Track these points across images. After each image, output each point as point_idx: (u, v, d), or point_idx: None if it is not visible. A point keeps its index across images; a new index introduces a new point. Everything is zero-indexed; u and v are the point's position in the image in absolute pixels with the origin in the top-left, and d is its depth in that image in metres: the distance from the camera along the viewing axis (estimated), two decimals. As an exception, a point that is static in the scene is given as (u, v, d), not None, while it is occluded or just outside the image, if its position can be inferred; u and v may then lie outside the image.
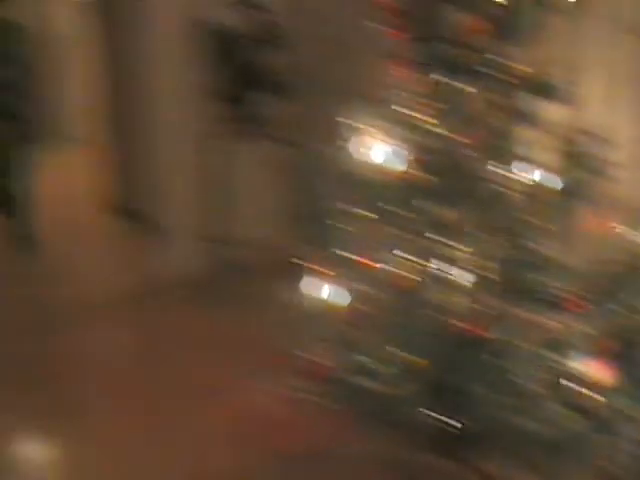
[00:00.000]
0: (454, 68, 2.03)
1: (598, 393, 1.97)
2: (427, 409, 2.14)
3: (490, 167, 2.05)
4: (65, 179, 6.36)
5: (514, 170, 2.08)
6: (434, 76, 2.00)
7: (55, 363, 3.71)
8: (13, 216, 4.53)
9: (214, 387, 3.40)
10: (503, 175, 2.06)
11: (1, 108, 4.18)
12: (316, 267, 2.46)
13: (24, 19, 4.40)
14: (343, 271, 2.30)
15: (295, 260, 3.97)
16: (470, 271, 2.05)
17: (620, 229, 2.08)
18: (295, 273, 4.03)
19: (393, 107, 2.07)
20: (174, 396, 3.37)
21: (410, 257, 2.07)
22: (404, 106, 2.06)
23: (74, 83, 6.99)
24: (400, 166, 2.06)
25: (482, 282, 2.06)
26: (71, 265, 4.75)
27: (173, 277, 4.36)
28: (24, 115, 4.34)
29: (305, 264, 3.88)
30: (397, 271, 2.09)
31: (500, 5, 2.02)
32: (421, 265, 2.06)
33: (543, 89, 2.07)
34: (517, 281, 2.06)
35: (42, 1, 7.16)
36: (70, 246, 5.00)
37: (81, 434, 3.14)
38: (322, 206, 2.34)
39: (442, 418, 2.12)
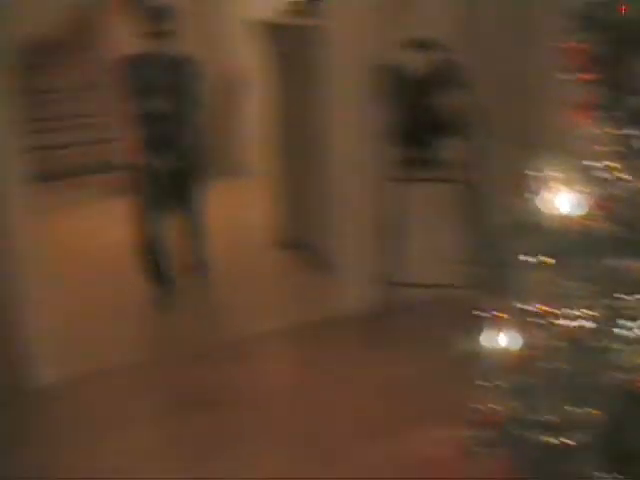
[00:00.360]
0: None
1: None
2: (597, 466, 2.04)
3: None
4: (238, 210, 6.55)
5: None
6: (624, 127, 1.92)
7: (219, 391, 3.80)
8: (191, 243, 4.64)
9: (377, 426, 3.41)
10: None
11: (176, 141, 4.31)
12: (492, 314, 2.40)
13: (199, 54, 4.57)
14: (520, 319, 2.24)
15: (470, 306, 3.93)
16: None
17: None
18: (468, 318, 3.99)
19: (577, 154, 2.01)
20: (335, 432, 3.39)
21: (590, 311, 1.99)
22: (589, 154, 2.00)
23: (251, 117, 7.19)
24: (584, 216, 1.99)
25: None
26: (240, 295, 4.84)
27: (342, 314, 4.39)
28: (197, 147, 4.46)
29: (480, 310, 3.85)
30: (575, 324, 2.02)
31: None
32: (601, 319, 1.98)
33: None
34: None
35: (221, 38, 7.46)
36: (240, 277, 5.12)
37: (240, 462, 3.21)
38: (500, 253, 2.29)
39: (611, 477, 2.02)
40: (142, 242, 4.48)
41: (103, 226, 5.98)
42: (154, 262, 4.58)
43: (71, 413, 3.71)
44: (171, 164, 4.30)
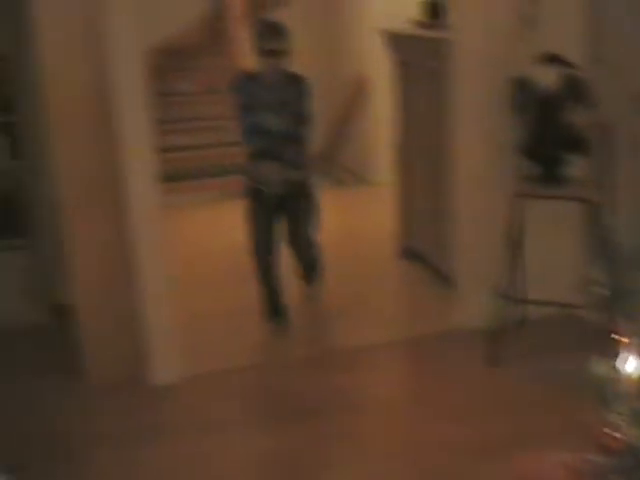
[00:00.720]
0: None
1: None
2: None
3: None
4: (359, 219, 6.61)
5: None
6: None
7: (328, 398, 3.86)
8: (301, 254, 4.66)
9: (493, 443, 3.37)
10: None
11: (285, 156, 4.33)
12: (617, 336, 2.34)
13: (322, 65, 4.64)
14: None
15: (593, 327, 3.86)
16: None
17: None
18: (592, 339, 3.91)
19: None
20: (449, 448, 3.37)
21: None
22: None
23: (375, 126, 7.23)
24: None
25: None
26: (357, 305, 4.86)
27: (461, 328, 4.38)
28: (305, 162, 4.49)
29: (605, 332, 3.78)
30: None
31: None
32: None
33: None
34: None
35: (350, 47, 7.52)
36: (358, 286, 5.15)
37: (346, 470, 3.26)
38: (625, 274, 2.23)
39: None
40: (256, 257, 4.51)
41: (220, 229, 6.11)
42: (268, 290, 4.58)
43: (182, 412, 3.81)
44: (281, 178, 4.32)
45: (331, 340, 4.04)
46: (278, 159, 4.28)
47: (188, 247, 5.84)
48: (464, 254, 4.41)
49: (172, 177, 6.53)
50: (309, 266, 4.77)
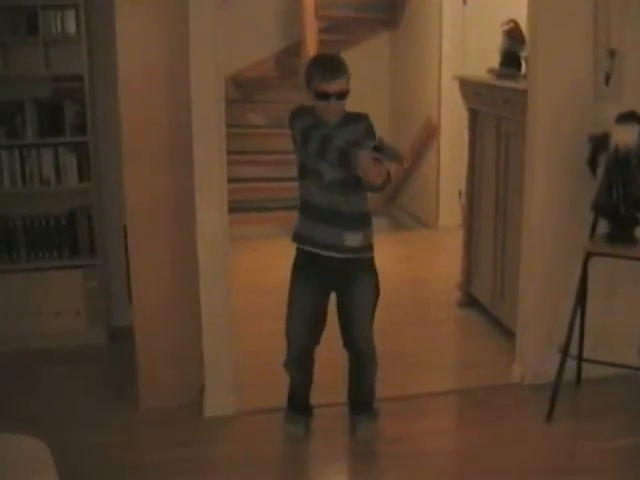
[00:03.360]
0: None
1: None
2: None
3: None
4: (421, 264, 6.56)
5: None
6: None
7: (382, 445, 3.84)
8: (357, 366, 3.87)
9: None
10: None
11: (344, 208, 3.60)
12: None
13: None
14: None
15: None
16: None
17: None
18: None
19: None
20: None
21: None
22: None
23: (443, 170, 7.23)
24: None
25: None
26: (417, 352, 4.78)
27: (519, 383, 4.32)
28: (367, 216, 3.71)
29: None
30: None
31: None
32: None
33: None
34: None
35: (428, 92, 7.53)
36: (418, 333, 5.09)
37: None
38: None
39: None
40: (292, 344, 3.75)
41: (281, 263, 6.10)
42: (296, 383, 3.86)
43: (232, 447, 3.78)
44: (341, 241, 3.58)
45: (385, 387, 3.99)
46: (337, 215, 3.56)
47: (247, 280, 5.85)
48: (527, 307, 4.34)
49: (234, 208, 6.58)
50: (362, 388, 3.84)
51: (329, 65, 3.52)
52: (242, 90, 8.15)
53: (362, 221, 3.63)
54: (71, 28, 4.61)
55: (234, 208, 5.44)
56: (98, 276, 4.79)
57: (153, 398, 4.02)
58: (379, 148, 3.40)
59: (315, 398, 3.89)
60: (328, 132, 3.47)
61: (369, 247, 3.65)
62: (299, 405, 3.88)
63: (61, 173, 4.69)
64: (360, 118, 3.59)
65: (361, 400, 3.85)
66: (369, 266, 3.67)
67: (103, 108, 4.70)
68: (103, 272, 4.82)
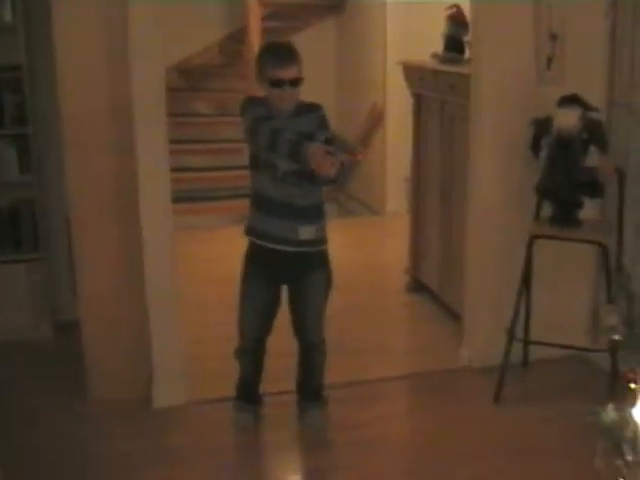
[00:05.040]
0: None
1: None
2: None
3: None
4: (368, 250, 6.57)
5: None
6: None
7: (333, 431, 3.85)
8: (307, 355, 3.83)
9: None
10: None
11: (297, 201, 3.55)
12: (630, 382, 2.31)
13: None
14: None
15: (601, 371, 3.84)
16: None
17: None
18: (599, 384, 3.90)
19: None
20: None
21: None
22: None
23: (388, 157, 7.23)
24: None
25: None
26: (364, 338, 4.79)
27: (467, 366, 4.35)
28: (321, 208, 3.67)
29: (614, 378, 3.76)
30: None
31: None
32: None
33: None
34: None
35: (372, 78, 7.52)
36: (365, 318, 5.10)
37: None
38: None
39: None
40: (244, 336, 3.73)
41: (228, 252, 6.04)
42: (247, 374, 3.83)
43: (182, 437, 3.76)
44: (296, 234, 3.53)
45: (335, 374, 3.98)
46: (291, 208, 3.51)
47: (196, 270, 5.80)
48: (473, 291, 4.37)
49: (181, 198, 6.54)
50: (311, 378, 3.84)
51: (282, 52, 3.47)
52: (186, 78, 8.09)
53: (316, 213, 3.59)
54: (7, 16, 4.49)
55: (181, 198, 5.38)
56: (42, 270, 4.70)
57: (102, 390, 3.97)
58: (330, 140, 3.38)
59: (265, 386, 3.87)
60: (279, 124, 3.41)
61: (323, 240, 3.62)
62: (249, 394, 3.86)
63: (1, 166, 4.59)
64: (314, 109, 3.54)
65: (310, 388, 3.84)
66: (323, 259, 3.64)
67: (43, 98, 4.60)
68: (47, 266, 4.73)
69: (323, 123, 3.54)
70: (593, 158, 3.89)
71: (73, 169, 3.87)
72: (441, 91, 4.93)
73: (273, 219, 3.52)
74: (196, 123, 7.92)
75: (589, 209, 4.01)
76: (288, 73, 3.39)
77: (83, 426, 3.85)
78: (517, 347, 4.11)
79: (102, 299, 3.98)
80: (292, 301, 3.68)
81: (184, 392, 3.99)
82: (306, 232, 3.54)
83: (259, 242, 3.58)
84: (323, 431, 3.82)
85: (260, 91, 3.54)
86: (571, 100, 3.87)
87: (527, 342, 4.23)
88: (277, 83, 3.40)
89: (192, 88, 8.15)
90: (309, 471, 3.62)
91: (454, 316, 4.79)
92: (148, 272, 3.86)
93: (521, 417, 3.86)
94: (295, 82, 3.42)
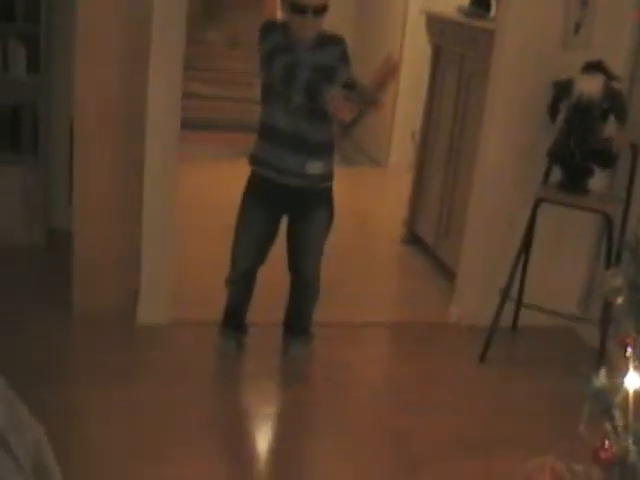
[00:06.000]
0: None
1: None
2: None
3: None
4: (370, 200, 6.53)
5: None
6: None
7: (311, 367, 3.85)
8: (300, 291, 3.79)
9: (474, 442, 3.33)
10: None
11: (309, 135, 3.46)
12: (621, 349, 2.29)
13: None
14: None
15: (590, 339, 3.83)
16: None
17: None
18: (588, 350, 3.89)
19: None
20: (429, 440, 3.31)
21: None
22: None
23: (396, 111, 7.12)
24: None
25: None
26: (349, 283, 4.74)
27: (456, 322, 4.33)
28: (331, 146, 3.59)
29: (603, 346, 3.76)
30: None
31: None
32: None
33: None
34: None
35: (392, 26, 7.40)
36: (354, 265, 5.04)
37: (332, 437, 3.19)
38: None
39: None
40: (235, 264, 3.65)
41: (229, 182, 5.99)
42: (234, 300, 3.76)
43: (162, 355, 3.73)
44: (303, 169, 3.45)
45: (320, 313, 3.95)
46: (301, 141, 3.41)
47: (194, 195, 5.74)
48: (471, 249, 4.34)
49: (185, 125, 6.46)
50: (301, 313, 3.80)
51: None
52: (203, 5, 7.94)
53: (326, 149, 3.52)
54: None
55: (185, 125, 5.27)
56: (39, 176, 4.62)
57: (87, 302, 3.93)
58: (352, 85, 3.30)
59: (252, 316, 3.84)
60: (297, 58, 3.29)
61: (329, 176, 3.55)
62: (235, 322, 3.81)
63: (10, 63, 4.48)
64: (336, 41, 3.43)
65: (298, 323, 3.81)
66: (327, 196, 3.58)
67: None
68: (44, 172, 4.65)
69: (345, 58, 3.44)
70: (610, 129, 3.85)
71: (82, 78, 3.78)
72: (462, 45, 4.84)
73: (281, 151, 3.44)
74: (207, 52, 7.79)
75: (597, 180, 3.98)
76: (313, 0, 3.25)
77: (63, 335, 3.82)
78: (507, 310, 4.07)
79: (97, 210, 3.93)
80: (291, 236, 3.61)
81: (169, 312, 3.95)
82: (314, 167, 3.46)
83: (263, 172, 3.50)
84: (304, 365, 3.81)
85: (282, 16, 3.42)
86: (596, 67, 3.81)
87: (519, 303, 4.18)
88: (301, 9, 3.24)
89: (207, 16, 8.01)
90: (285, 403, 3.62)
91: (446, 272, 4.76)
92: (147, 189, 3.80)
93: (505, 378, 3.86)
94: (320, 10, 3.27)
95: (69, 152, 4.15)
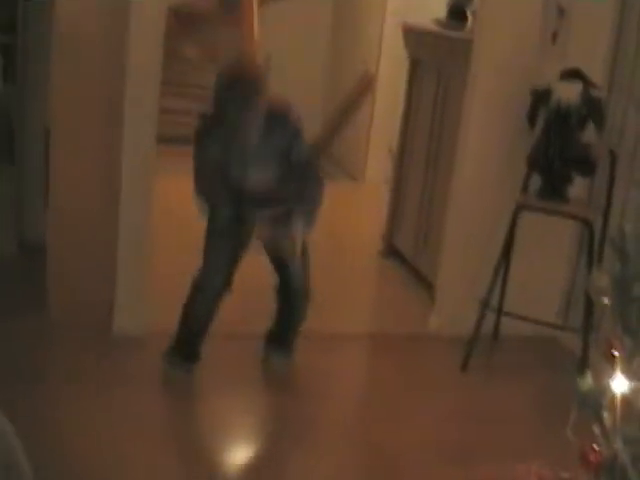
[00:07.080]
0: None
1: None
2: None
3: None
4: (348, 215, 6.48)
5: None
6: None
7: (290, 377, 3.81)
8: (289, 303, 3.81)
9: (455, 450, 3.29)
10: None
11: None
12: (601, 353, 2.27)
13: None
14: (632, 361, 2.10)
15: (571, 345, 3.81)
16: None
17: None
18: (569, 356, 3.87)
19: None
20: (409, 449, 3.27)
21: None
22: None
23: (376, 122, 7.12)
24: None
25: None
26: (329, 294, 4.65)
27: (436, 333, 4.29)
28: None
29: (585, 351, 3.74)
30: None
31: None
32: None
33: None
34: None
35: (368, 40, 7.42)
36: (333, 278, 4.98)
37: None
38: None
39: None
40: (199, 294, 3.62)
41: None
42: (192, 331, 3.62)
43: (136, 366, 3.68)
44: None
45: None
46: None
47: (170, 209, 5.68)
48: (450, 259, 4.31)
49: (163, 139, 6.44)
50: (288, 326, 3.75)
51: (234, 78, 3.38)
52: (185, 22, 7.91)
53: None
54: None
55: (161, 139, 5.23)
56: (14, 184, 4.55)
57: (62, 312, 3.87)
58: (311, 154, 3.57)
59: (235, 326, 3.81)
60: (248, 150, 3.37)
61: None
62: (191, 351, 3.62)
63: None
64: (285, 120, 3.42)
65: (284, 335, 3.77)
66: None
67: (36, 8, 4.45)
68: (19, 181, 4.59)
69: (296, 132, 3.44)
70: (588, 136, 3.86)
71: (57, 84, 3.76)
72: (440, 56, 4.85)
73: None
74: (182, 68, 7.77)
75: (577, 187, 3.97)
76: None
77: (36, 344, 3.74)
78: (488, 320, 4.05)
79: (73, 219, 3.88)
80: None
81: (145, 322, 3.88)
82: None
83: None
84: (284, 377, 3.76)
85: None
86: (574, 74, 3.83)
87: (500, 312, 4.15)
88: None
89: (183, 33, 7.98)
90: (264, 413, 3.59)
91: (426, 284, 4.73)
92: (124, 200, 3.77)
93: (487, 386, 3.83)
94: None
95: (44, 162, 4.10)
